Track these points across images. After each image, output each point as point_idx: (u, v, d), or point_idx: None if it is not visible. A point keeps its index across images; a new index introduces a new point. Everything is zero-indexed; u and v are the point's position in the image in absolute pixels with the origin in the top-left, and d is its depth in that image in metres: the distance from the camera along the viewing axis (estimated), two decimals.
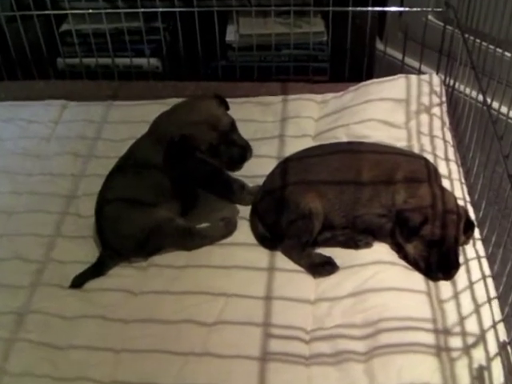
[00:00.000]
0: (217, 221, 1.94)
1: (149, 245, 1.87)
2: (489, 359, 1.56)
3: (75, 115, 2.46)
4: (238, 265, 1.83)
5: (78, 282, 1.83)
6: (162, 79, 2.72)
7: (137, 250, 1.87)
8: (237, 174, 2.04)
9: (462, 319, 1.64)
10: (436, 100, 2.31)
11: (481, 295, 1.70)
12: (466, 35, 2.21)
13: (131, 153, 1.96)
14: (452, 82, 2.42)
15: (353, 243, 1.84)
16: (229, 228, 1.92)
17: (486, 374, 1.53)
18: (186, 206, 1.97)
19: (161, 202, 1.88)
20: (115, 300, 1.77)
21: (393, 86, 2.34)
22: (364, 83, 2.40)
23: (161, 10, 2.58)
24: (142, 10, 2.56)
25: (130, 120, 2.40)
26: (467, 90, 2.22)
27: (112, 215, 1.87)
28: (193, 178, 1.92)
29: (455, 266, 1.75)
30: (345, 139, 2.17)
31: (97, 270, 1.85)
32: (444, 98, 2.35)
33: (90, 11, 2.59)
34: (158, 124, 1.93)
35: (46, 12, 2.58)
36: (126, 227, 1.85)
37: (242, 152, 1.85)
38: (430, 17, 2.66)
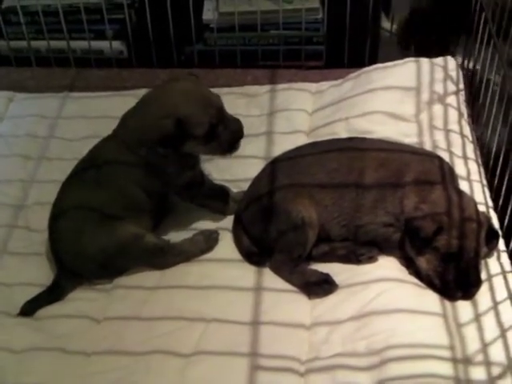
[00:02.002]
0: (196, 234, 1.97)
1: (113, 266, 1.89)
2: None
3: (23, 109, 2.48)
4: (218, 284, 1.85)
5: (29, 309, 1.84)
6: (128, 66, 2.74)
7: (98, 271, 1.89)
8: (216, 178, 2.07)
9: (484, 346, 1.66)
10: (452, 87, 2.34)
11: (507, 317, 1.71)
12: (488, 8, 2.24)
13: (93, 156, 1.96)
14: (471, 66, 2.45)
15: (354, 257, 1.86)
16: (209, 243, 1.95)
17: None
18: (158, 216, 2.00)
19: (128, 214, 1.89)
20: (74, 329, 1.79)
21: (400, 72, 2.37)
22: (366, 69, 2.44)
23: None
24: None
25: (89, 115, 2.43)
26: (490, 75, 2.25)
27: (69, 230, 1.88)
28: (172, 183, 1.95)
29: (476, 283, 1.78)
30: (344, 135, 2.19)
31: (52, 294, 1.87)
32: (462, 85, 2.39)
33: None
34: (127, 120, 1.94)
35: None
36: (86, 245, 1.86)
37: (240, 128, 1.90)
38: None
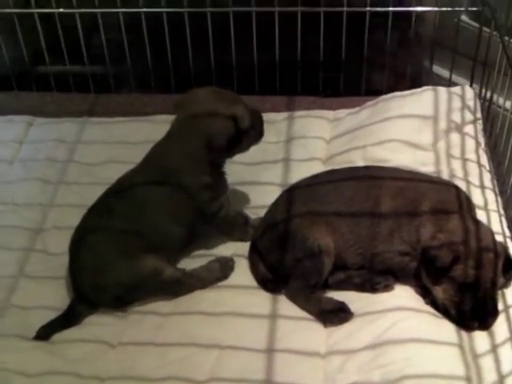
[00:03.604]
0: (212, 261, 1.97)
1: (129, 297, 1.89)
2: None
3: (43, 134, 2.50)
4: (233, 311, 1.84)
5: (45, 333, 1.84)
6: (148, 91, 2.75)
7: (114, 302, 1.89)
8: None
9: (502, 378, 1.65)
10: (469, 116, 2.35)
11: None
12: (506, 38, 2.25)
13: (123, 186, 1.96)
14: (489, 95, 2.46)
15: (370, 286, 1.86)
16: (225, 271, 1.95)
17: None
18: (184, 247, 2.01)
19: (154, 248, 1.89)
20: (89, 353, 1.79)
21: (418, 101, 2.38)
22: (384, 97, 2.45)
23: (144, 10, 2.61)
24: (123, 10, 2.60)
25: (107, 140, 2.45)
26: (507, 104, 2.25)
27: (90, 260, 1.87)
28: (205, 211, 1.97)
29: (493, 313, 1.76)
30: (361, 163, 2.20)
31: (68, 319, 1.87)
32: (479, 114, 2.39)
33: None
34: (169, 145, 1.96)
35: None
36: (105, 277, 1.86)
37: (258, 111, 2.01)
38: (462, 17, 2.69)
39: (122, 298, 1.88)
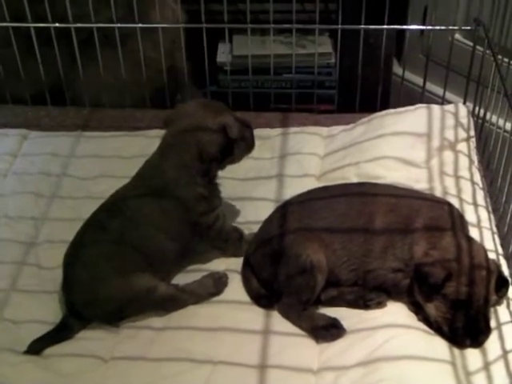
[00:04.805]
0: (205, 276, 1.97)
1: (121, 314, 1.89)
2: None
3: (37, 148, 2.50)
4: (226, 326, 1.84)
5: (37, 348, 1.83)
6: (141, 107, 2.75)
7: (107, 317, 1.89)
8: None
9: None
10: (463, 134, 2.36)
11: None
12: (499, 57, 2.27)
13: (117, 203, 1.95)
14: (482, 113, 2.47)
15: (362, 303, 1.86)
16: (218, 287, 1.95)
17: None
18: (178, 263, 2.00)
19: (149, 265, 1.88)
20: (81, 367, 1.78)
21: (411, 118, 2.39)
22: (378, 114, 2.45)
23: (140, 25, 2.62)
24: (119, 25, 2.60)
25: (101, 154, 2.45)
26: (500, 122, 2.26)
27: (84, 276, 1.86)
28: (201, 224, 1.96)
29: (485, 331, 1.77)
30: (355, 180, 2.21)
31: (60, 333, 1.86)
32: (472, 132, 2.40)
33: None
34: (152, 166, 1.97)
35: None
36: (99, 294, 1.85)
37: (248, 122, 2.02)
38: (456, 36, 2.72)
39: (114, 314, 1.88)
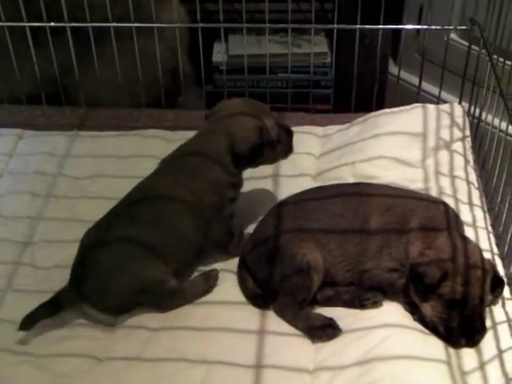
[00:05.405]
0: (196, 276, 1.97)
1: (127, 303, 1.89)
2: None
3: (33, 147, 2.50)
4: (222, 326, 1.84)
5: (29, 323, 1.82)
6: (137, 106, 2.75)
7: (114, 306, 1.88)
8: None
9: None
10: (458, 134, 2.36)
11: None
12: (495, 57, 2.28)
13: (149, 193, 1.95)
14: (478, 113, 2.48)
15: (358, 302, 1.86)
16: (209, 282, 1.94)
17: None
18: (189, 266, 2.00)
19: (168, 258, 1.88)
20: (76, 368, 1.78)
21: (407, 118, 2.39)
22: (373, 114, 2.46)
23: (136, 25, 2.62)
24: (114, 24, 2.59)
25: (97, 154, 2.45)
26: (495, 122, 2.26)
27: (104, 263, 1.85)
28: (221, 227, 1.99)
29: (480, 330, 1.77)
30: (350, 180, 2.21)
31: (52, 307, 1.85)
32: (468, 132, 2.41)
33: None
34: (187, 149, 2.00)
35: None
36: (118, 283, 1.84)
37: (289, 127, 2.05)
38: (452, 35, 2.73)
39: (121, 303, 1.87)
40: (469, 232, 1.98)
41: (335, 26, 2.57)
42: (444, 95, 2.67)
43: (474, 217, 2.09)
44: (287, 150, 2.03)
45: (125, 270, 1.84)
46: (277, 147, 2.00)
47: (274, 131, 1.97)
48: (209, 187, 1.94)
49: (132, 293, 1.85)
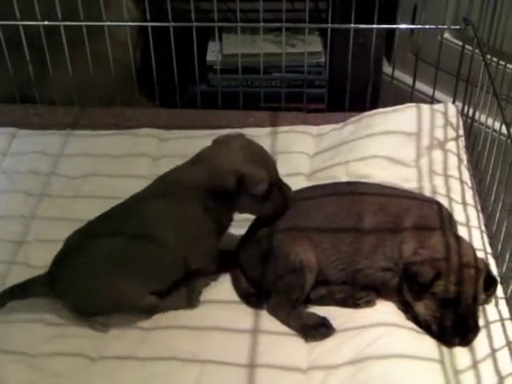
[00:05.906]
0: (182, 292, 1.94)
1: (98, 310, 1.88)
2: None
3: (26, 146, 2.49)
4: (215, 326, 1.84)
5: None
6: (130, 105, 2.75)
7: (83, 310, 1.88)
8: None
9: None
10: (452, 133, 2.36)
11: (505, 365, 1.70)
12: (488, 57, 2.28)
13: (135, 208, 1.90)
14: (471, 112, 2.48)
15: (352, 301, 1.86)
16: (191, 300, 1.91)
17: None
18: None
19: (149, 277, 1.86)
20: (70, 367, 1.77)
21: (401, 117, 2.39)
22: (367, 113, 2.46)
23: (130, 24, 2.63)
24: (108, 23, 2.60)
25: (91, 153, 2.44)
26: (489, 122, 2.27)
27: (81, 266, 1.84)
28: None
29: (473, 329, 1.77)
30: (344, 179, 2.21)
31: (17, 292, 1.88)
32: (461, 131, 2.41)
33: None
34: (178, 172, 1.91)
35: None
36: (91, 291, 1.84)
37: (291, 192, 1.92)
38: (446, 35, 2.73)
39: (89, 310, 1.87)
40: (462, 231, 1.98)
41: (329, 25, 2.58)
42: (438, 95, 2.67)
43: (467, 216, 2.10)
44: (275, 210, 1.89)
45: (99, 281, 1.83)
46: (263, 203, 1.86)
47: (262, 186, 1.83)
48: (185, 216, 1.85)
49: (105, 303, 1.85)
